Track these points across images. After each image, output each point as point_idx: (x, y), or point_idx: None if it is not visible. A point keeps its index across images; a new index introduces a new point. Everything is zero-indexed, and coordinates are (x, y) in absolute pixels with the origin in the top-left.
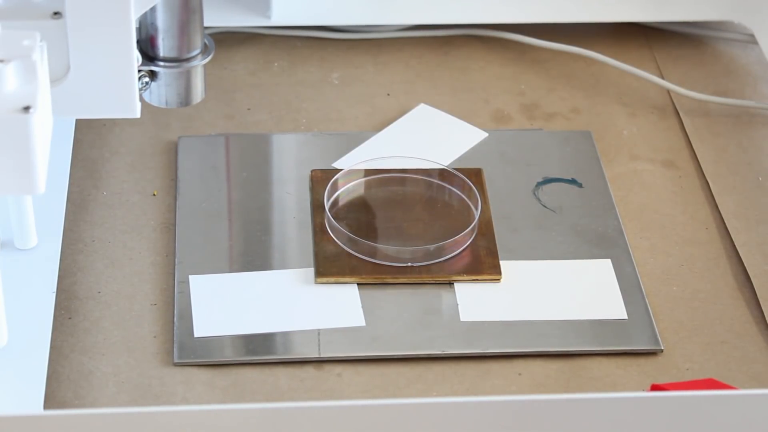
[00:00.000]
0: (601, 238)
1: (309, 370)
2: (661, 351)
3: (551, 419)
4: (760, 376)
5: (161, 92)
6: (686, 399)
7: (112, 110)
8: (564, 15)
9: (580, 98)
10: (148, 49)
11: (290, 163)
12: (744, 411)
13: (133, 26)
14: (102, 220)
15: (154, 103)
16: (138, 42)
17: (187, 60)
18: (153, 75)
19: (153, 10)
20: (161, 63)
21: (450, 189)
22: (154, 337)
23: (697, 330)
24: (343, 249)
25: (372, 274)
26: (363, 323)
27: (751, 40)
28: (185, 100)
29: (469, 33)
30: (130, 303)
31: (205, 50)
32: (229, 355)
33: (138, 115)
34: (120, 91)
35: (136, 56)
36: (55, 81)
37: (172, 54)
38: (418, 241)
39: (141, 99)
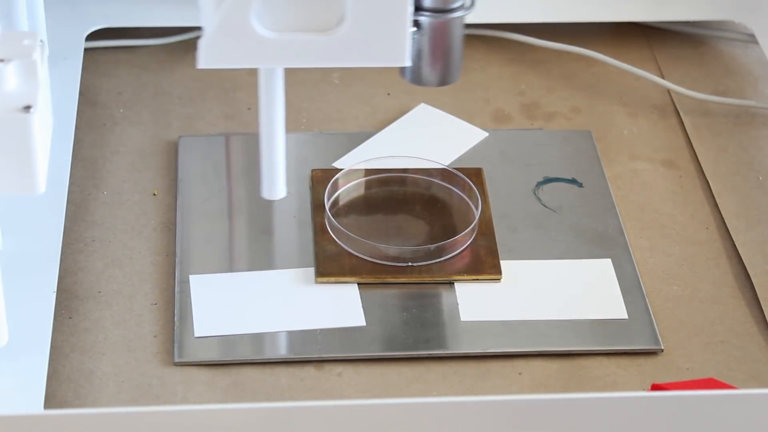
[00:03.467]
0: (601, 238)
1: (309, 370)
2: (661, 351)
3: (551, 419)
4: (760, 376)
5: (422, 42)
6: (686, 399)
7: (383, 59)
8: (564, 15)
9: (580, 98)
10: None
11: (290, 163)
12: (744, 411)
13: None
14: (102, 219)
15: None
16: None
17: (451, 11)
18: (417, 25)
19: None
20: (426, 13)
21: (450, 189)
22: (155, 336)
23: (697, 330)
24: (343, 249)
25: (372, 274)
26: (363, 323)
27: (751, 40)
28: (446, 51)
29: (469, 33)
30: (130, 303)
31: (467, 3)
32: (229, 355)
33: (408, 63)
34: (392, 40)
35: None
36: (327, 30)
37: (437, 4)
38: (419, 240)
39: None
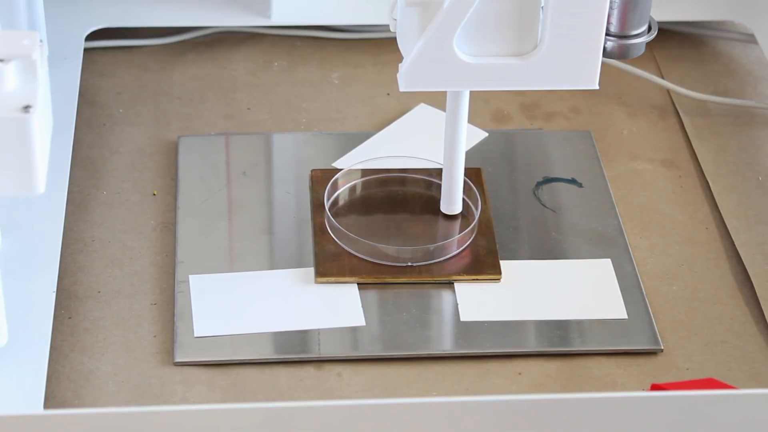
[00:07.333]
0: (601, 238)
1: (309, 370)
2: (661, 351)
3: (551, 419)
4: (760, 376)
5: None
6: (686, 399)
7: (574, 82)
8: None
9: (580, 98)
10: None
11: (290, 162)
12: (744, 411)
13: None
14: (102, 219)
15: None
16: None
17: (633, 36)
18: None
19: None
20: (610, 38)
21: None
22: (154, 336)
23: (697, 330)
24: (343, 249)
25: (372, 274)
26: (363, 323)
27: (751, 40)
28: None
29: None
30: (130, 303)
31: (649, 29)
32: (229, 355)
33: (597, 86)
34: (585, 64)
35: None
36: (524, 54)
37: (622, 30)
38: (418, 241)
39: None
